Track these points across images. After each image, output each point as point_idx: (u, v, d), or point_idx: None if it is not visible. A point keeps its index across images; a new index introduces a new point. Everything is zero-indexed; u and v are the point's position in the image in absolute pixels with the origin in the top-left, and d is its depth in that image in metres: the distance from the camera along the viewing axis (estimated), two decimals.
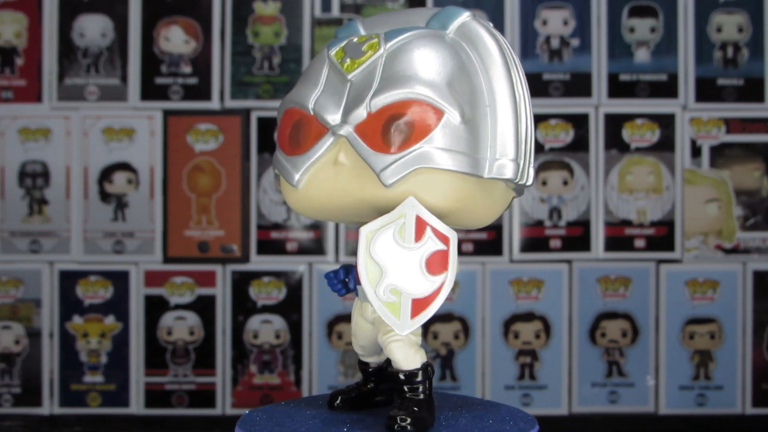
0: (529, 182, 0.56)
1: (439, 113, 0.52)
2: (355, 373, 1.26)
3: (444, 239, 0.52)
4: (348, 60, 0.55)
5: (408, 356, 0.55)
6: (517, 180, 0.54)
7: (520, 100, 0.54)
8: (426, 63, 0.53)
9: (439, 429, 0.56)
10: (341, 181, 0.54)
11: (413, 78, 0.53)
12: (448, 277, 0.52)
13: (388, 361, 0.59)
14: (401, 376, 0.55)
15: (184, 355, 1.26)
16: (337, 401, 0.61)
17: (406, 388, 0.55)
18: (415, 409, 0.54)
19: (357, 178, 0.54)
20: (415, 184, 0.52)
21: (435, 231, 0.52)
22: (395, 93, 0.52)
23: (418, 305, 0.52)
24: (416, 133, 0.52)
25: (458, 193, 0.53)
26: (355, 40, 0.55)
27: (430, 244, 0.52)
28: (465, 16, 0.55)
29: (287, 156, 0.56)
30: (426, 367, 0.55)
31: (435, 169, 0.52)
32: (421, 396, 0.55)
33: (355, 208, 0.55)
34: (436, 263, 0.52)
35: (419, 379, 0.55)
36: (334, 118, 0.54)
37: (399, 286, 0.52)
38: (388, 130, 0.52)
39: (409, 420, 0.53)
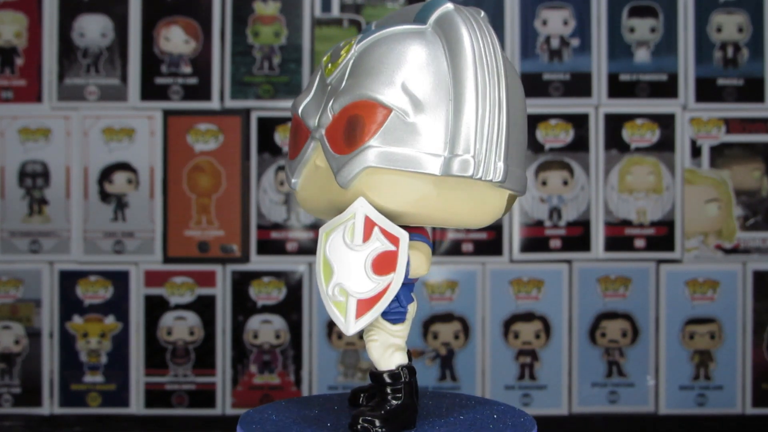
0: (498, 178, 0.52)
1: (387, 111, 0.52)
2: (355, 374, 1.27)
3: (393, 240, 0.52)
4: (330, 64, 0.56)
5: (383, 357, 0.55)
6: (479, 177, 0.52)
7: (486, 92, 0.52)
8: (381, 61, 0.53)
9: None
10: (319, 184, 0.56)
11: (366, 77, 0.53)
12: (395, 278, 0.52)
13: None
14: (376, 377, 0.55)
15: (184, 355, 1.26)
16: (360, 399, 0.61)
17: (381, 389, 0.55)
18: (383, 411, 0.54)
19: (329, 180, 0.54)
20: (367, 184, 0.52)
21: (384, 231, 0.52)
22: (351, 94, 0.53)
23: (363, 306, 0.52)
24: (364, 133, 0.52)
25: (410, 192, 0.52)
26: (341, 44, 0.56)
27: (378, 245, 0.52)
28: (444, 7, 0.53)
29: (288, 160, 0.58)
30: (400, 370, 0.55)
31: (384, 169, 0.52)
32: (395, 398, 0.54)
33: (333, 209, 0.56)
34: (383, 264, 0.52)
35: (392, 381, 0.55)
36: (314, 122, 0.55)
37: (345, 286, 0.52)
38: (344, 131, 0.53)
39: (377, 422, 0.53)
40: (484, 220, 0.56)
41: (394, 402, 0.54)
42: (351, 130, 0.53)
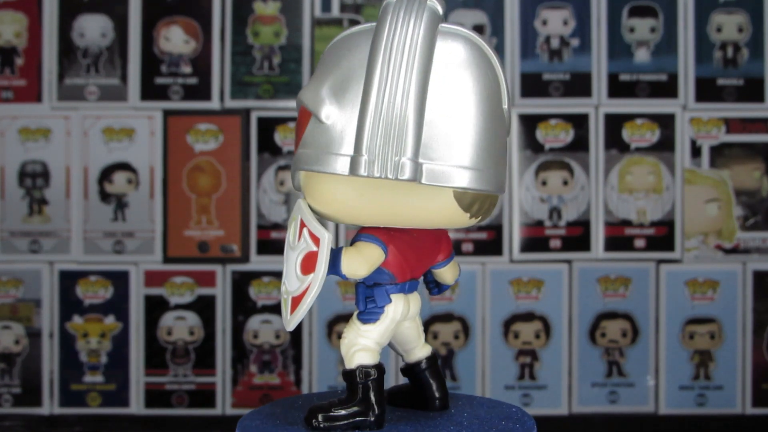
0: (404, 176, 0.49)
1: (308, 114, 0.52)
2: None
3: (316, 240, 0.53)
4: None
5: (347, 355, 0.56)
6: (378, 175, 0.49)
7: (387, 84, 0.49)
8: (320, 64, 0.54)
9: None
10: None
11: (309, 81, 0.54)
12: (314, 278, 0.52)
13: (419, 362, 0.61)
14: (342, 374, 0.56)
15: (184, 355, 1.26)
16: (398, 398, 0.62)
17: (346, 387, 0.56)
18: (339, 409, 0.55)
19: None
20: (304, 187, 0.54)
21: (309, 232, 0.53)
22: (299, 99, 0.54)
23: (294, 303, 0.54)
24: (298, 137, 0.53)
25: (333, 194, 0.52)
26: None
27: (304, 245, 0.53)
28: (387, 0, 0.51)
29: None
30: (359, 371, 0.55)
31: (312, 173, 0.52)
32: (354, 397, 0.55)
33: None
34: (308, 264, 0.53)
35: (353, 380, 0.55)
36: None
37: (286, 284, 0.54)
38: (296, 136, 0.54)
39: (337, 417, 0.54)
40: (438, 221, 0.54)
41: (351, 401, 0.55)
42: (296, 135, 0.54)
